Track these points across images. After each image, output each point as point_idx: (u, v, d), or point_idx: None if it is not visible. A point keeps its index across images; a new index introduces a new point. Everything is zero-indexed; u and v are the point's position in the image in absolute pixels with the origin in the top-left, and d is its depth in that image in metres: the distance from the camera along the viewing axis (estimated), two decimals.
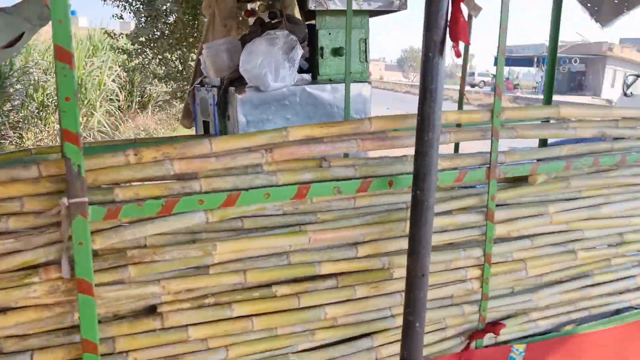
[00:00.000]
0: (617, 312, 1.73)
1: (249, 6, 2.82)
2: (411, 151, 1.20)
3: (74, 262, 1.03)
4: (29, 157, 2.19)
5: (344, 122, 1.27)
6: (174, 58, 9.96)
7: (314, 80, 2.32)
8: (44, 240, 1.04)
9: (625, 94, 6.08)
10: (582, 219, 1.57)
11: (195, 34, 9.68)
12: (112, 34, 10.76)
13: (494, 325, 1.48)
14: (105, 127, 12.89)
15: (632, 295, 1.73)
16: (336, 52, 2.37)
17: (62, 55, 0.95)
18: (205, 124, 2.46)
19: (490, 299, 1.47)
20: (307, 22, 2.48)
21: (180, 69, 10.51)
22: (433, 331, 1.44)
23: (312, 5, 2.24)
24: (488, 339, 1.50)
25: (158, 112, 15.77)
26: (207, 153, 1.12)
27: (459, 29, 1.12)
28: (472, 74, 46.11)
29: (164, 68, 11.93)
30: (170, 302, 1.17)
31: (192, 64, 10.38)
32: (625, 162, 1.57)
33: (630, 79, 6.11)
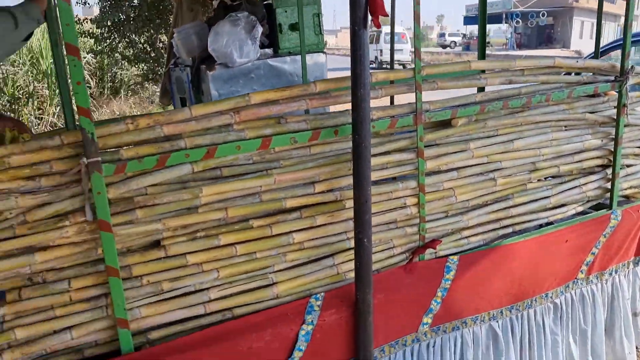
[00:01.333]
0: (538, 227, 2.11)
1: None
2: (349, 106, 1.53)
3: (94, 208, 1.35)
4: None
5: (294, 86, 1.59)
6: (142, 40, 10.10)
7: (275, 54, 2.63)
8: (70, 193, 1.36)
9: None
10: (499, 152, 1.92)
11: (162, 16, 9.79)
12: (76, 20, 10.77)
13: (432, 242, 1.84)
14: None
15: (548, 213, 2.10)
16: (293, 27, 2.68)
17: (72, 50, 1.25)
18: (183, 100, 2.76)
19: (427, 221, 1.83)
20: (264, 2, 2.78)
21: (149, 50, 10.64)
22: (382, 250, 1.79)
23: None
24: (429, 254, 1.86)
25: (131, 96, 15.79)
26: (188, 117, 1.44)
27: (377, 6, 1.44)
28: (443, 34, 46.21)
29: (132, 50, 12.01)
30: (170, 237, 1.50)
31: (161, 45, 10.52)
32: (531, 104, 1.93)
33: None
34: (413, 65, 1.65)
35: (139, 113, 13.16)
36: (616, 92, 2.08)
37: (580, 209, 2.20)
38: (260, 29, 2.42)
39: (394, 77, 1.72)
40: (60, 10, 1.24)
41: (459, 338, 1.89)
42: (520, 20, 35.45)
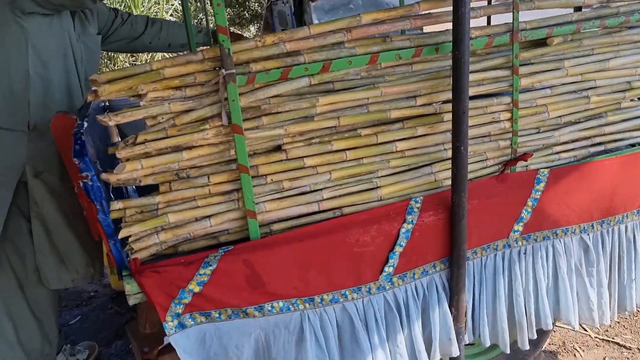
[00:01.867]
0: (630, 147, 2.17)
1: None
2: (448, 26, 1.67)
3: (229, 114, 1.59)
4: None
5: (399, 7, 1.74)
6: None
7: None
8: (209, 101, 1.60)
9: None
10: (594, 70, 1.99)
11: None
12: None
13: (524, 155, 1.97)
14: None
15: None
16: None
17: None
18: None
19: (519, 136, 1.95)
20: None
21: None
22: (476, 162, 1.94)
23: None
24: (520, 167, 2.00)
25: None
26: (307, 35, 1.64)
27: None
28: None
29: None
30: (290, 142, 1.72)
31: None
32: (629, 22, 1.97)
33: None
34: None
35: None
36: None
37: None
38: None
39: None
40: None
41: (550, 247, 2.02)
42: None
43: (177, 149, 1.62)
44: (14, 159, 1.97)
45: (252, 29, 12.49)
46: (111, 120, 1.49)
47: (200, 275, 1.61)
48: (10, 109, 1.95)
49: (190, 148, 1.63)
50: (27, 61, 1.97)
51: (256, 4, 11.10)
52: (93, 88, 1.51)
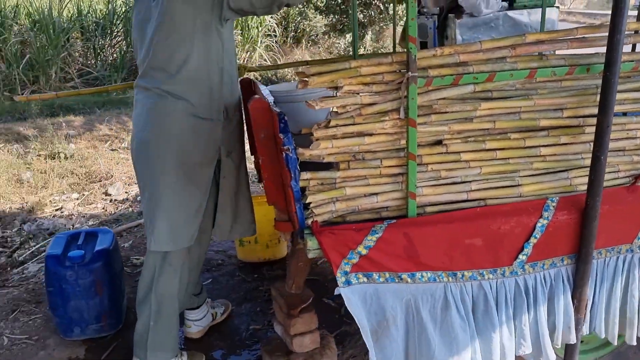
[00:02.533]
0: None
1: None
2: (603, 49, 1.92)
3: (407, 110, 1.91)
4: None
5: (560, 30, 2.00)
6: None
7: (512, 7, 3.01)
8: (391, 97, 1.93)
9: None
10: None
11: None
12: None
13: None
14: (266, 61, 14.19)
15: None
16: None
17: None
18: (423, 44, 3.27)
19: None
20: None
21: (340, 2, 11.37)
22: (610, 172, 2.17)
23: None
24: None
25: (311, 46, 16.77)
26: (478, 49, 1.94)
27: None
28: None
29: (324, 1, 12.84)
30: (450, 138, 2.03)
31: None
32: None
33: None
34: None
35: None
36: None
37: None
38: None
39: None
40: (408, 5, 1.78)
41: None
42: None
43: (360, 134, 1.95)
44: (213, 142, 2.38)
45: (348, 36, 12.95)
46: (317, 105, 1.85)
47: (368, 240, 1.94)
48: (209, 102, 2.34)
49: (370, 135, 1.96)
50: (222, 60, 2.35)
51: (360, 15, 11.49)
52: (303, 79, 1.87)
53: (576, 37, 1.99)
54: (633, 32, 2.11)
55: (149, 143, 2.33)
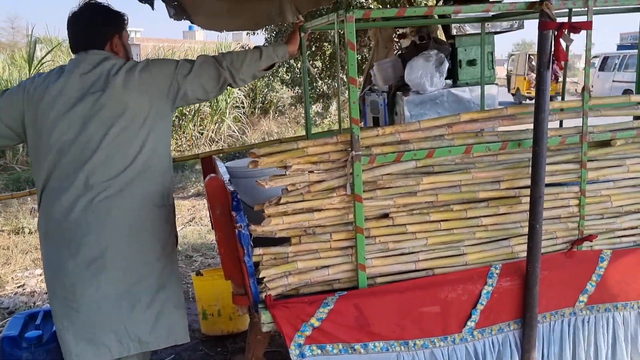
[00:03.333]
0: None
1: (401, 30, 3.78)
2: (531, 126, 2.09)
3: (353, 186, 2.02)
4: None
5: (491, 109, 2.18)
6: (299, 66, 11.29)
7: (455, 84, 3.23)
8: (337, 174, 2.05)
9: None
10: None
11: (318, 44, 10.87)
12: (243, 46, 12.26)
13: (589, 237, 2.31)
14: (235, 132, 14.42)
15: None
16: (470, 63, 3.26)
17: (352, 81, 1.95)
18: (375, 119, 3.45)
19: (586, 220, 2.30)
20: (448, 41, 3.40)
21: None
22: (547, 239, 2.29)
23: (454, 31, 3.16)
24: (585, 246, 2.33)
25: (278, 117, 17.16)
26: (417, 128, 2.09)
27: (560, 54, 1.99)
28: (593, 65, 43.92)
29: (290, 74, 13.29)
30: (396, 211, 2.14)
31: (316, 70, 11.64)
32: None
33: None
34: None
35: (286, 133, 14.39)
36: None
37: None
38: (447, 64, 3.03)
39: (565, 105, 2.25)
40: (348, 55, 1.94)
41: (611, 319, 2.32)
42: None
43: (310, 210, 2.05)
44: (171, 229, 2.37)
45: (314, 107, 13.36)
46: (267, 184, 1.95)
47: (320, 312, 2.00)
48: (162, 190, 2.29)
49: (319, 210, 2.06)
50: (169, 146, 2.36)
51: (324, 86, 11.90)
52: (253, 159, 1.98)
53: (506, 115, 2.16)
54: (559, 110, 2.30)
55: (116, 245, 2.17)
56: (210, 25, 3.63)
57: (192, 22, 3.41)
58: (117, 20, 2.31)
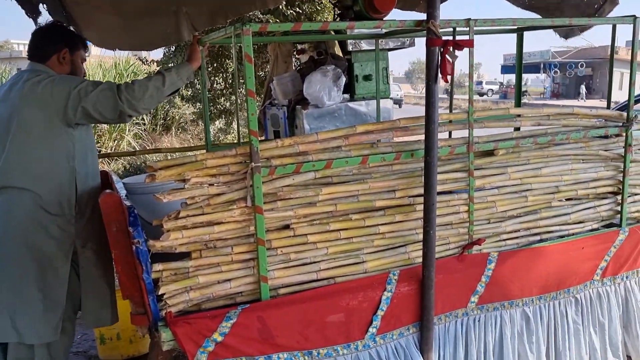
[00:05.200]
0: (560, 237, 2.70)
1: (299, 46, 3.86)
2: (423, 137, 2.20)
3: (253, 198, 2.03)
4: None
5: (385, 121, 2.27)
6: (199, 82, 11.13)
7: (352, 98, 3.34)
8: (237, 187, 2.04)
9: None
10: (530, 176, 2.55)
11: (219, 60, 10.80)
12: (144, 60, 11.96)
13: (478, 240, 2.46)
14: (135, 149, 13.93)
15: (569, 226, 2.70)
16: (366, 78, 3.39)
17: (250, 94, 1.96)
18: (276, 133, 3.48)
19: (475, 224, 2.45)
20: (345, 57, 3.51)
21: (206, 91, 11.54)
22: (441, 244, 2.42)
23: (350, 47, 3.26)
24: (475, 250, 2.48)
25: (180, 134, 16.80)
26: (315, 140, 2.13)
27: (445, 68, 2.12)
28: (480, 82, 46.91)
29: (190, 91, 13.09)
30: (297, 222, 2.16)
31: (217, 86, 11.56)
32: (555, 141, 2.56)
33: None
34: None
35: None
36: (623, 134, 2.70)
37: (595, 226, 2.79)
38: (344, 79, 3.12)
39: (453, 117, 2.39)
40: (246, 68, 1.96)
41: (499, 317, 2.47)
42: (558, 71, 36.01)
43: (210, 223, 2.03)
44: (67, 236, 2.38)
45: (217, 122, 13.20)
46: (165, 198, 1.91)
47: (223, 327, 1.97)
48: (59, 199, 2.36)
49: (220, 223, 2.04)
50: (73, 159, 2.37)
51: (227, 102, 11.80)
52: (150, 172, 1.93)
53: (400, 126, 2.27)
54: (447, 121, 2.44)
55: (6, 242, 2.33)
56: (102, 42, 3.50)
57: (82, 37, 3.27)
58: (67, 39, 2.51)
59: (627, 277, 2.81)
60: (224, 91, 11.32)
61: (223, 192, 2.03)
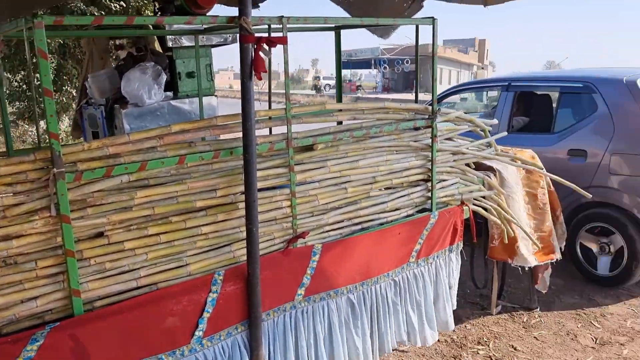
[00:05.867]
0: (380, 225, 2.86)
1: (118, 41, 3.64)
2: (240, 134, 2.19)
3: (58, 206, 1.87)
4: None
5: (202, 120, 2.22)
6: (18, 79, 10.17)
7: (176, 96, 3.23)
8: (39, 195, 1.86)
9: None
10: (349, 169, 2.66)
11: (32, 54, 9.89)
12: None
13: (302, 234, 2.51)
14: None
15: (386, 214, 2.87)
16: (189, 75, 3.30)
17: (47, 93, 1.80)
18: (95, 134, 3.26)
19: (298, 219, 2.50)
20: (166, 54, 3.38)
21: (25, 89, 10.69)
22: (266, 240, 2.43)
23: (170, 43, 3.15)
24: (300, 243, 2.53)
25: None
26: (126, 141, 2.02)
27: (258, 66, 2.12)
28: (318, 77, 48.42)
29: (6, 88, 11.86)
30: (111, 229, 2.04)
31: (38, 83, 10.64)
32: (369, 134, 2.70)
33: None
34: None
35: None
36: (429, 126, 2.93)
37: (411, 212, 3.00)
38: (164, 77, 3.01)
39: (272, 114, 2.41)
40: (41, 65, 1.79)
41: (326, 307, 2.56)
42: (387, 67, 38.50)
43: (8, 237, 1.83)
44: None
45: (43, 123, 12.12)
46: None
47: (27, 351, 1.80)
48: None
49: (19, 237, 1.85)
50: None
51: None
52: None
53: (217, 124, 2.23)
54: (267, 118, 2.45)
55: None
56: None
57: None
58: None
59: (437, 257, 3.07)
60: (39, 88, 10.41)
61: (22, 202, 1.85)
